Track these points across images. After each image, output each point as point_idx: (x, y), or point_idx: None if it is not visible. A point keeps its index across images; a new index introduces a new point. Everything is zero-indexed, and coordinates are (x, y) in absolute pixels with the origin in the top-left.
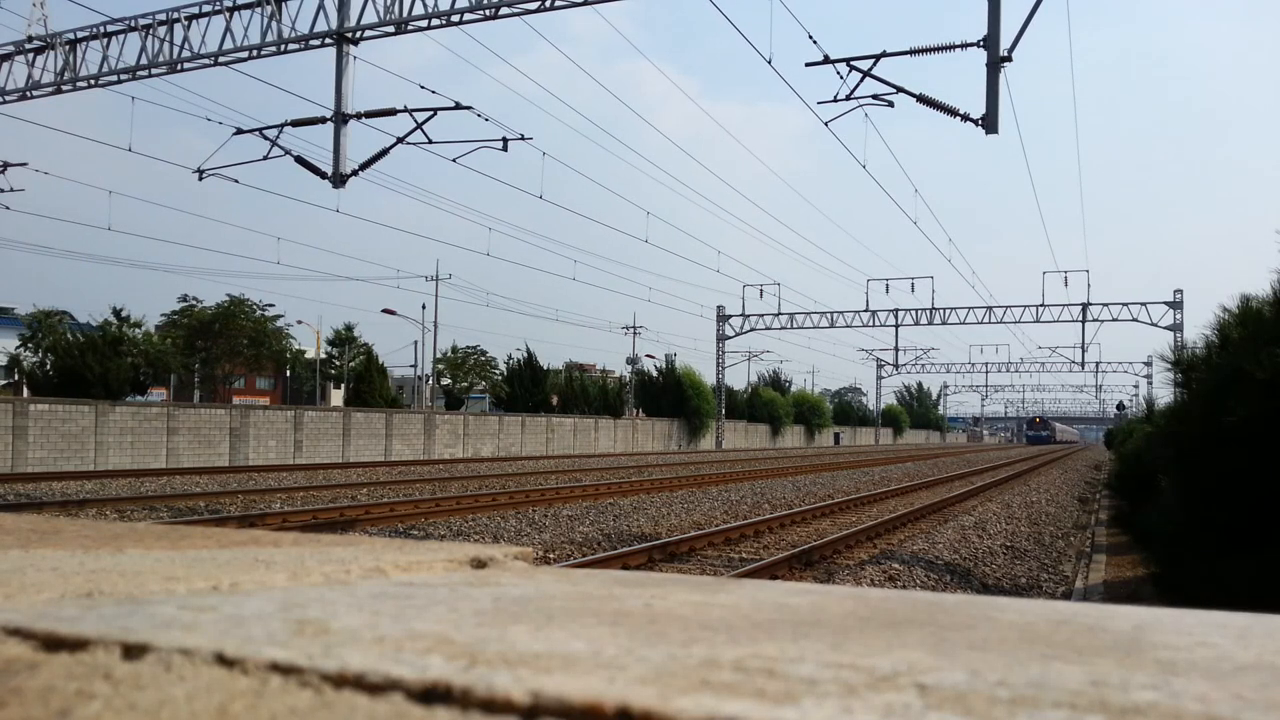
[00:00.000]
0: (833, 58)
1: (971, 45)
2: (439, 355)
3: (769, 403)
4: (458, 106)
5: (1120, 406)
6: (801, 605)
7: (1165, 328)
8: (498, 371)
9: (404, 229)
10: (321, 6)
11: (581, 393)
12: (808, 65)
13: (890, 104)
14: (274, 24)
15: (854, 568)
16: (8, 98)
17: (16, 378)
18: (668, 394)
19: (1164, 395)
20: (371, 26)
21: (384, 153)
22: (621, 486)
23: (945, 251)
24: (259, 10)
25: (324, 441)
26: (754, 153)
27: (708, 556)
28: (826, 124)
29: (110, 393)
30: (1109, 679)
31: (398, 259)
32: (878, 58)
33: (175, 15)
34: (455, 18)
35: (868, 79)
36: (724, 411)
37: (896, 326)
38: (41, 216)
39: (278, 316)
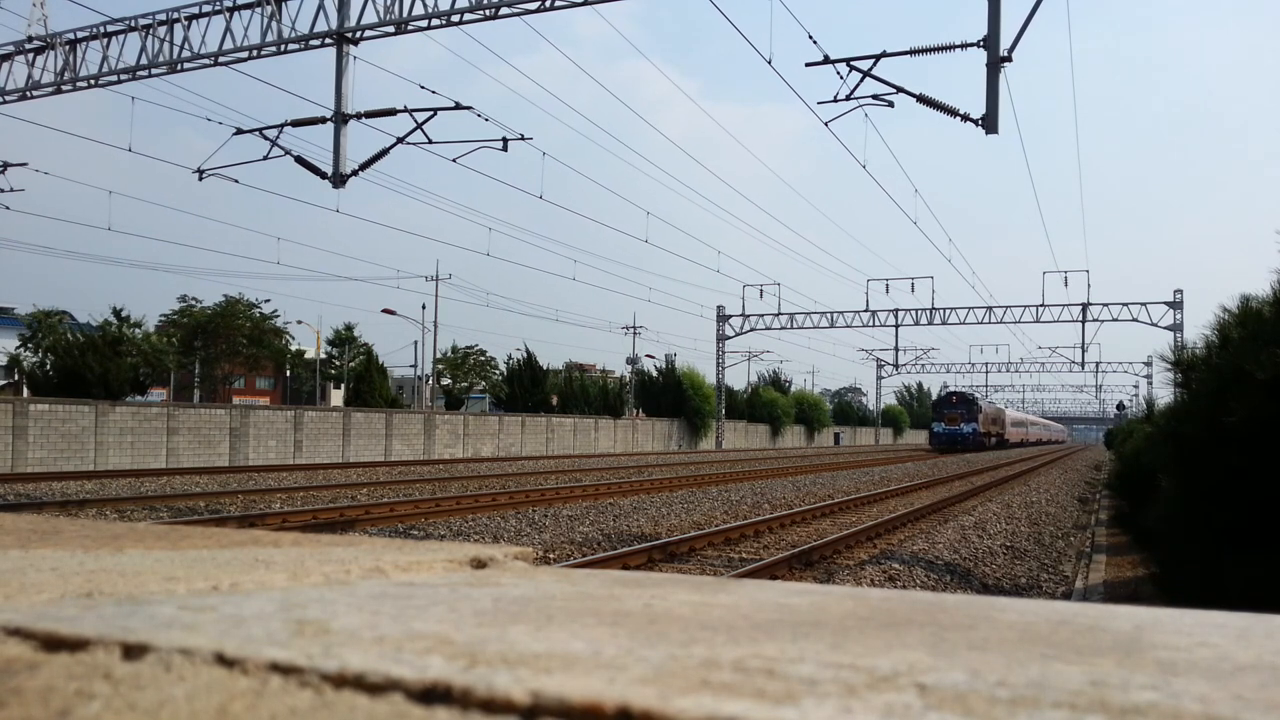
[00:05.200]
0: (833, 58)
1: (971, 45)
2: (439, 355)
3: (769, 403)
4: (458, 107)
5: (1120, 406)
6: (801, 605)
7: (1165, 328)
8: (498, 371)
9: (404, 229)
10: (321, 6)
11: (581, 393)
12: (808, 65)
13: (890, 104)
14: (274, 24)
15: (854, 568)
16: (8, 98)
17: (16, 378)
18: (668, 394)
19: (1164, 395)
20: (371, 26)
21: (384, 153)
22: (621, 486)
23: (945, 251)
24: (259, 10)
25: (324, 441)
26: (754, 153)
27: (708, 556)
28: (827, 124)
29: (110, 393)
30: (1109, 679)
31: (398, 259)
32: (878, 58)
33: (175, 15)
34: (455, 18)
35: (868, 79)
36: (724, 411)
37: (896, 326)
38: (41, 216)
39: (274, 314)
